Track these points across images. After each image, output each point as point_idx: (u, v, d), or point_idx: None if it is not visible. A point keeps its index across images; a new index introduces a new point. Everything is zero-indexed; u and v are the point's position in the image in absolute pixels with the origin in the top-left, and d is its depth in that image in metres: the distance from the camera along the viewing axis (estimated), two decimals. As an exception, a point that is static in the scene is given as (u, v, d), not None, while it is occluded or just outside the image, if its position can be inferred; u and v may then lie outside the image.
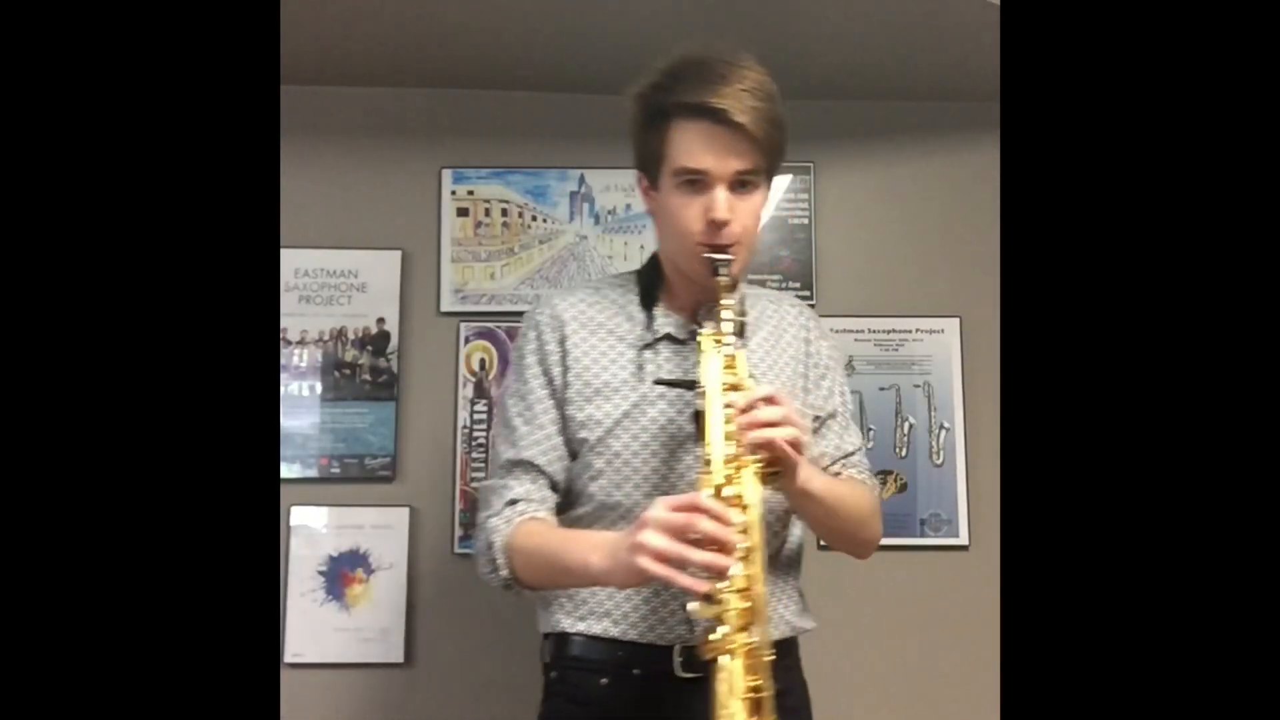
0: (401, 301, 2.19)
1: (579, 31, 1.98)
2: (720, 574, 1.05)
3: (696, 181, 1.25)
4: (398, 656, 2.08)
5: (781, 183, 2.30)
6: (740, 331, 1.29)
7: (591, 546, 1.15)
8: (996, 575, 0.89)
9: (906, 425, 2.23)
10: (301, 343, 2.18)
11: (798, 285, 2.26)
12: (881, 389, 2.24)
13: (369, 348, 2.18)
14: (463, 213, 2.24)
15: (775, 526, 1.33)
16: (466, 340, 2.19)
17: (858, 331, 2.25)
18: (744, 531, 1.08)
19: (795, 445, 1.14)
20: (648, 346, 1.32)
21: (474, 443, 2.16)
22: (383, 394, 2.16)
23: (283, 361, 2.15)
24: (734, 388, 1.17)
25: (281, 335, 2.15)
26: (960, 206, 2.31)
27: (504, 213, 2.24)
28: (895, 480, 2.22)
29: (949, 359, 2.25)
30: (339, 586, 2.10)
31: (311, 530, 2.12)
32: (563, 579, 1.23)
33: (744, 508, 1.10)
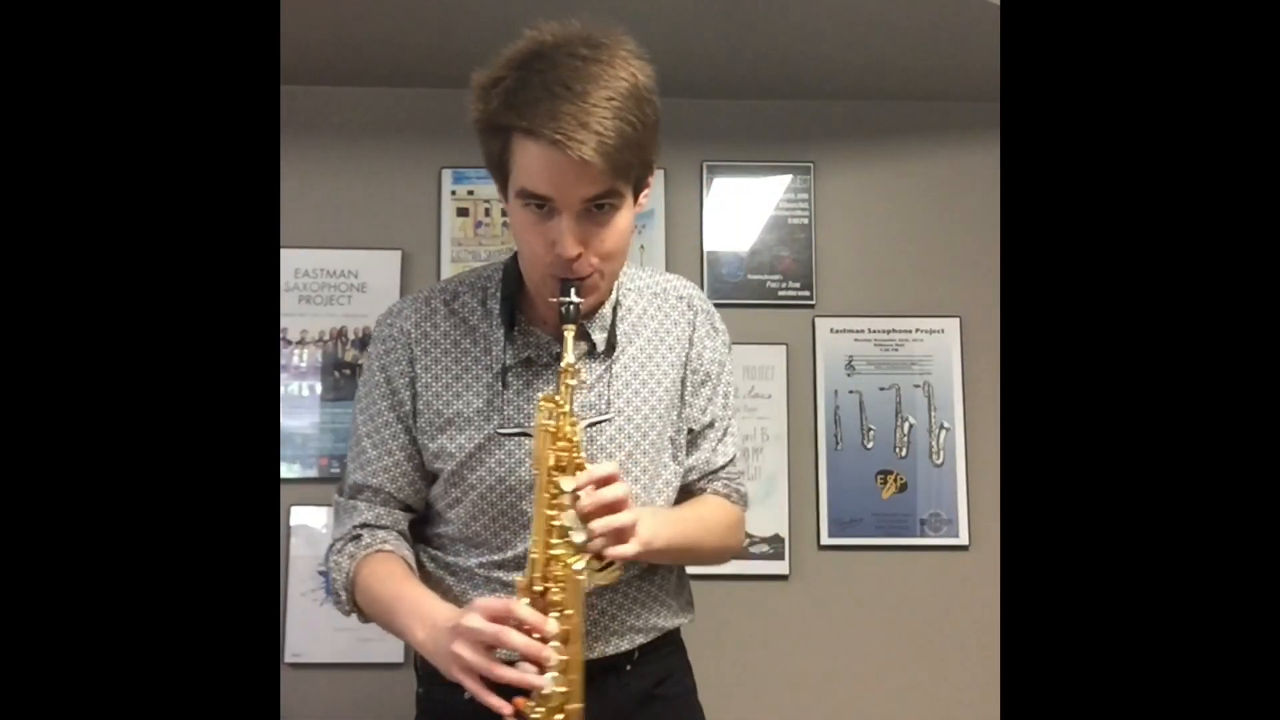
0: (401, 301, 2.19)
1: (579, 31, 1.97)
2: (531, 688, 1.03)
3: (543, 205, 1.10)
4: (398, 656, 2.08)
5: (782, 183, 2.30)
6: (610, 348, 1.23)
7: (418, 619, 1.13)
8: (996, 575, 0.89)
9: (906, 425, 2.23)
10: (301, 343, 2.18)
11: (797, 285, 2.27)
12: (881, 389, 2.24)
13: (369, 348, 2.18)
14: (463, 213, 2.24)
15: None
16: (466, 340, 2.20)
17: (858, 331, 2.25)
18: (565, 640, 1.05)
19: (630, 532, 1.09)
20: (504, 372, 1.21)
21: (474, 443, 2.16)
22: (383, 394, 2.16)
23: (283, 361, 2.16)
24: (570, 468, 1.10)
25: (281, 335, 2.16)
26: (960, 206, 2.31)
27: (504, 213, 2.24)
28: (895, 480, 2.22)
29: (949, 359, 2.25)
30: (339, 586, 2.10)
31: (311, 530, 2.12)
32: (395, 633, 1.21)
33: (564, 614, 1.06)
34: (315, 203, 2.21)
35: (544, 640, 1.04)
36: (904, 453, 2.22)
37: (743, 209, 2.29)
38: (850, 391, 2.23)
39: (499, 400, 1.21)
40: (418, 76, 2.19)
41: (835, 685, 2.17)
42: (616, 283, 1.27)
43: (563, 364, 1.11)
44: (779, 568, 2.17)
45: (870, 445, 2.22)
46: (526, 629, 1.03)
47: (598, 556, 1.09)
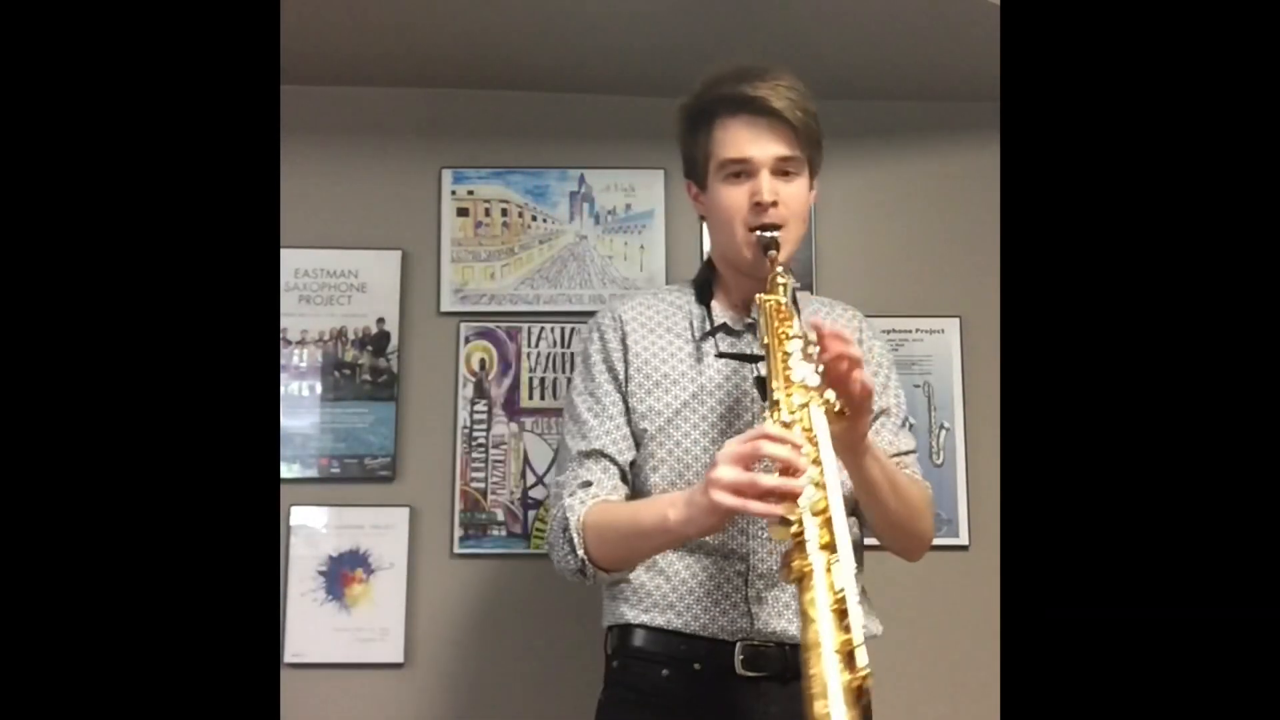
0: (401, 301, 2.19)
1: (579, 31, 1.98)
2: (791, 496, 1.04)
3: (741, 172, 1.32)
4: (398, 656, 2.08)
5: (781, 183, 2.30)
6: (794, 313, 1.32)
7: (668, 503, 1.17)
8: (996, 575, 0.89)
9: (907, 425, 2.23)
10: (301, 343, 2.18)
11: (798, 285, 2.26)
12: (881, 389, 2.24)
13: (369, 348, 2.18)
14: (463, 213, 2.24)
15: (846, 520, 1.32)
16: (466, 340, 2.19)
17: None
18: (815, 461, 1.07)
19: (860, 374, 1.13)
20: (705, 337, 1.37)
21: (474, 443, 2.16)
22: (383, 394, 2.16)
23: (283, 361, 2.15)
24: (792, 338, 1.18)
25: (281, 335, 2.15)
26: (960, 206, 2.30)
27: (504, 213, 2.24)
28: (895, 480, 2.22)
29: (949, 359, 2.25)
30: (339, 586, 2.10)
31: (311, 530, 2.12)
32: (640, 543, 1.24)
33: (813, 440, 1.09)
34: (315, 203, 2.20)
35: (796, 448, 1.06)
36: (904, 453, 2.22)
37: (743, 209, 2.29)
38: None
39: (701, 363, 1.35)
40: (418, 76, 2.19)
41: (835, 685, 2.16)
42: (790, 280, 1.38)
43: (775, 273, 1.25)
44: (779, 568, 2.17)
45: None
46: (778, 441, 1.06)
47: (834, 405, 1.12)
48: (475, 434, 2.16)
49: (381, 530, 2.11)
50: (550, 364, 2.19)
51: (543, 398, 2.17)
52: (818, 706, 0.92)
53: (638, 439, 1.34)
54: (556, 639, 2.06)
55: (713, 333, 1.37)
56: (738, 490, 1.05)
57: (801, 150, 1.33)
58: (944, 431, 2.23)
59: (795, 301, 1.35)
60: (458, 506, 2.13)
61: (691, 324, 1.39)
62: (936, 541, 2.17)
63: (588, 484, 1.31)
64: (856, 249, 2.30)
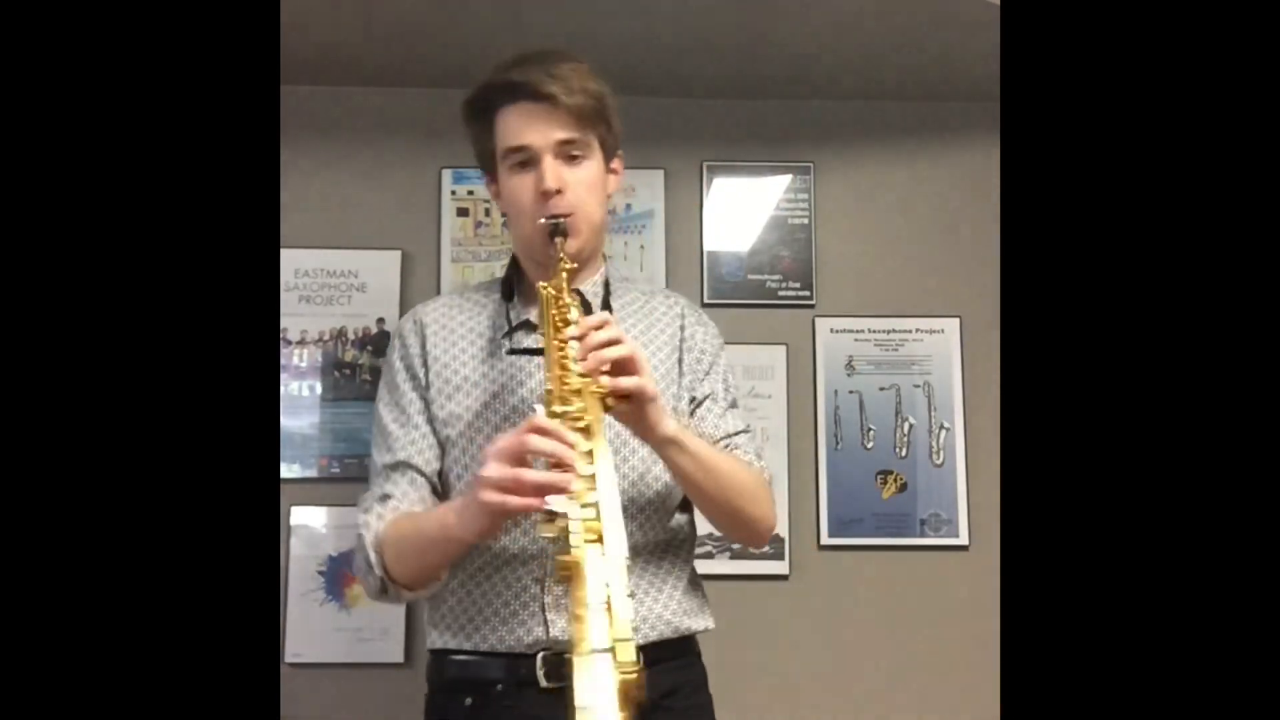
0: (401, 301, 2.19)
1: (578, 32, 1.98)
2: (556, 490, 0.99)
3: (526, 160, 1.28)
4: (398, 656, 2.08)
5: (781, 183, 2.30)
6: (605, 305, 1.32)
7: (449, 507, 1.15)
8: (996, 575, 0.89)
9: (906, 425, 2.23)
10: (301, 343, 2.18)
11: (798, 285, 2.26)
12: (881, 389, 2.24)
13: (369, 348, 2.18)
14: (463, 213, 2.24)
15: (651, 510, 1.29)
16: (466, 340, 2.19)
17: (858, 331, 2.25)
18: (589, 454, 1.02)
19: (630, 367, 1.11)
20: (505, 335, 1.32)
21: (474, 443, 2.16)
22: (383, 394, 2.16)
23: (283, 361, 2.15)
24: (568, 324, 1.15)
25: (281, 335, 2.15)
26: (960, 206, 2.31)
27: (504, 213, 2.24)
28: (895, 480, 2.22)
29: (949, 359, 2.25)
30: (339, 586, 2.10)
31: (311, 530, 2.12)
32: (429, 554, 1.19)
33: (586, 431, 1.05)
34: (315, 203, 2.21)
35: (564, 440, 1.02)
36: (904, 453, 2.22)
37: (743, 209, 2.29)
38: (850, 391, 2.23)
39: (501, 363, 1.30)
40: (418, 76, 2.19)
41: (835, 685, 2.17)
42: (604, 267, 1.39)
43: (559, 259, 1.22)
44: (779, 568, 2.17)
45: (870, 445, 2.22)
46: (545, 433, 1.03)
47: (612, 396, 1.10)
48: (475, 434, 2.16)
49: (381, 530, 2.11)
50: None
51: (543, 398, 2.17)
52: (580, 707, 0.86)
53: (442, 446, 1.29)
54: (556, 639, 2.06)
55: (512, 331, 1.32)
56: (503, 488, 1.02)
57: (584, 131, 1.28)
58: (944, 431, 2.23)
59: (607, 289, 1.34)
60: (458, 506, 2.13)
61: (494, 323, 1.34)
62: (936, 541, 2.20)
63: (386, 497, 1.26)
64: (856, 249, 2.30)
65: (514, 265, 1.39)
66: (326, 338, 2.18)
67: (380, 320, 2.19)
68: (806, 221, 2.29)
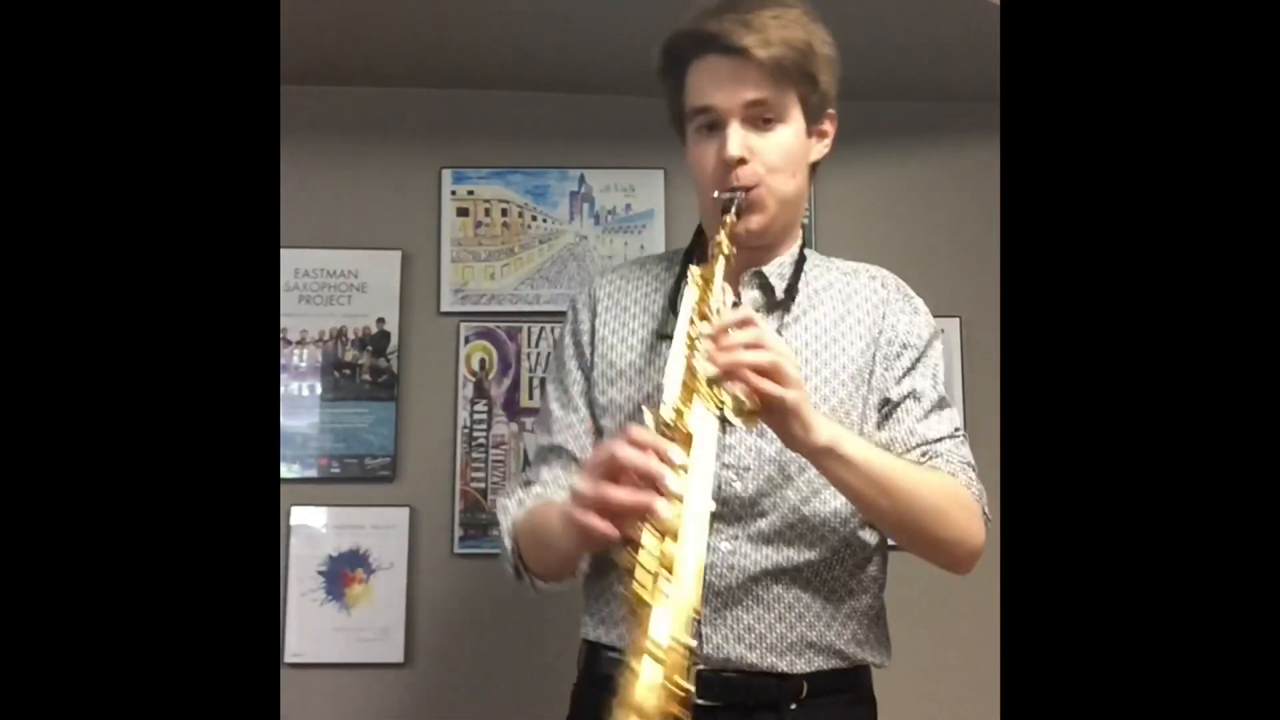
0: (401, 301, 2.19)
1: (579, 31, 1.97)
2: (639, 513, 0.88)
3: (712, 124, 1.15)
4: (398, 656, 2.08)
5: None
6: (789, 298, 1.18)
7: (562, 512, 1.00)
8: (996, 575, 0.89)
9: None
10: (301, 343, 2.18)
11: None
12: (881, 389, 2.23)
13: (369, 348, 2.18)
14: (463, 213, 2.24)
15: (827, 530, 1.16)
16: (466, 340, 2.19)
17: (858, 331, 2.25)
18: (685, 468, 0.90)
19: (773, 374, 0.96)
20: (670, 307, 1.20)
21: (474, 443, 2.16)
22: (383, 394, 2.16)
23: (283, 361, 2.15)
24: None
25: (281, 335, 2.15)
26: (960, 206, 2.30)
27: (504, 213, 2.24)
28: (895, 480, 2.21)
29: (949, 359, 2.25)
30: (339, 586, 2.10)
31: (311, 530, 2.12)
32: (550, 555, 1.10)
33: (687, 439, 0.92)
34: (315, 203, 2.20)
35: (663, 459, 0.89)
36: (904, 453, 2.22)
37: (743, 209, 2.28)
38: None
39: (665, 353, 1.12)
40: (418, 76, 2.19)
41: (835, 685, 2.16)
42: (800, 244, 1.25)
43: (721, 245, 1.07)
44: (779, 568, 2.17)
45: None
46: (635, 445, 0.91)
47: (744, 405, 0.97)
48: (475, 434, 2.16)
49: (381, 530, 2.11)
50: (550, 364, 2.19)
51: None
52: None
53: (601, 435, 1.19)
54: (557, 639, 2.06)
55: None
56: (590, 506, 0.91)
57: (780, 91, 1.12)
58: (944, 431, 2.23)
59: (798, 269, 1.19)
60: (458, 506, 2.13)
61: (667, 302, 1.20)
62: (936, 541, 2.19)
63: (529, 483, 1.19)
64: (856, 249, 2.28)
65: (698, 236, 1.27)
66: (326, 338, 2.18)
67: (380, 320, 2.18)
68: (806, 221, 2.28)
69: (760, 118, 1.14)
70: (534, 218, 2.24)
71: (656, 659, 0.83)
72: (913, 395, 1.21)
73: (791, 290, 1.21)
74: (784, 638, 1.12)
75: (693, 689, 0.83)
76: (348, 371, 2.17)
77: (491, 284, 2.22)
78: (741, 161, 1.12)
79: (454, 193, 2.24)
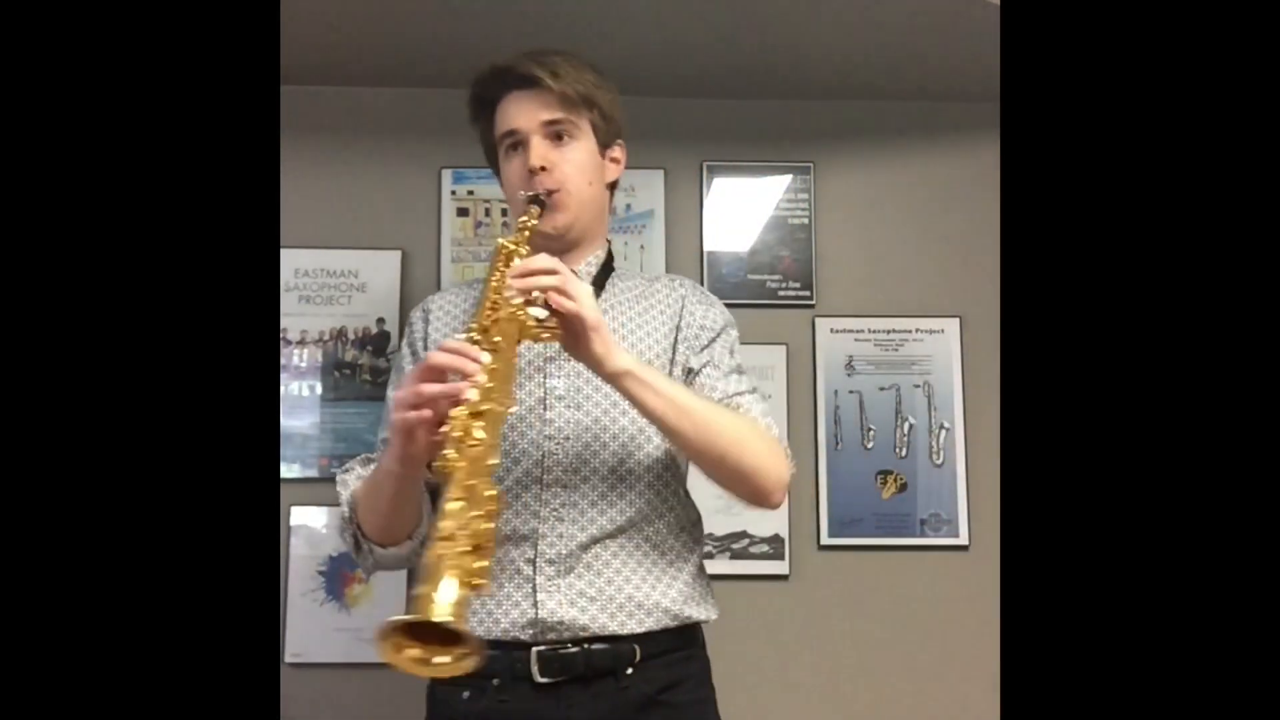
0: (401, 301, 2.19)
1: (579, 32, 1.97)
2: (453, 397, 1.03)
3: (516, 143, 1.33)
4: (398, 656, 2.08)
5: (782, 183, 2.30)
6: (599, 289, 1.33)
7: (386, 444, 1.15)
8: (996, 575, 0.89)
9: (906, 425, 2.23)
10: (301, 343, 2.18)
11: (798, 285, 2.26)
12: (881, 389, 2.24)
13: (369, 348, 2.18)
14: (463, 213, 2.24)
15: (645, 484, 1.28)
16: (466, 340, 2.19)
17: (858, 331, 2.25)
18: (493, 370, 1.05)
19: (568, 293, 1.11)
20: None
21: (474, 443, 2.15)
22: (383, 394, 2.16)
23: (283, 361, 2.15)
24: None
25: (281, 335, 2.15)
26: (960, 206, 2.30)
27: (504, 213, 2.24)
28: (895, 480, 2.22)
29: (949, 359, 2.25)
30: (339, 586, 2.10)
31: (311, 530, 2.12)
32: (380, 499, 1.20)
33: (495, 349, 1.08)
34: (315, 203, 2.20)
35: (470, 359, 1.05)
36: (904, 453, 2.22)
37: (743, 209, 2.29)
38: (850, 391, 2.23)
39: None
40: (418, 76, 2.19)
41: (835, 685, 2.17)
42: (604, 249, 1.41)
43: (521, 221, 1.24)
44: (779, 568, 2.17)
45: (870, 445, 2.22)
46: (447, 350, 1.07)
47: (545, 319, 1.13)
48: (475, 434, 2.16)
49: (381, 530, 2.11)
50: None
51: (543, 398, 2.17)
52: (423, 589, 0.89)
53: None
54: (556, 639, 2.06)
55: None
56: (408, 404, 1.06)
57: (572, 113, 1.32)
58: (944, 431, 2.23)
59: (604, 271, 1.37)
60: (458, 506, 2.13)
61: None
62: (936, 541, 2.20)
63: (369, 460, 1.29)
64: (856, 249, 2.30)
65: None
66: (326, 338, 2.18)
67: (380, 320, 2.18)
68: (806, 221, 2.29)
69: (556, 134, 1.32)
70: (534, 218, 2.24)
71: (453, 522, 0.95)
72: (711, 363, 1.33)
73: (599, 286, 1.35)
74: (613, 599, 1.22)
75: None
76: (348, 371, 2.17)
77: (491, 284, 2.21)
78: (543, 169, 1.29)
79: (454, 193, 2.24)
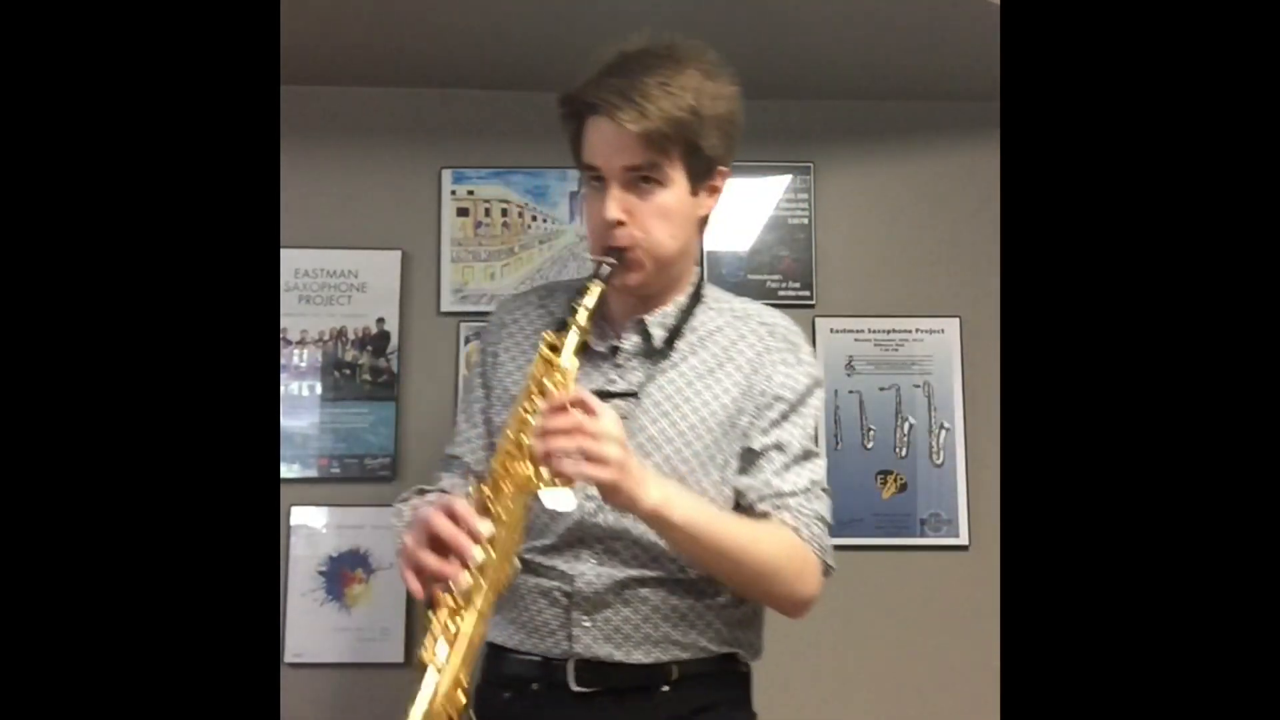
0: (401, 301, 2.19)
1: (580, 31, 1.97)
2: (442, 579, 1.04)
3: (599, 180, 1.21)
4: (398, 656, 2.08)
5: (782, 183, 2.30)
6: (668, 345, 1.25)
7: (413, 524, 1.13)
8: (996, 575, 0.89)
9: (906, 425, 2.23)
10: (301, 343, 2.18)
11: (797, 285, 2.26)
12: (881, 389, 2.24)
13: (369, 348, 2.18)
14: (463, 213, 2.24)
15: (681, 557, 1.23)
16: (466, 340, 2.19)
17: (858, 331, 2.25)
18: (492, 542, 1.05)
19: (593, 458, 1.03)
20: None
21: (474, 443, 2.16)
22: (383, 394, 2.16)
23: (283, 361, 2.15)
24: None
25: (281, 335, 2.15)
26: (960, 206, 2.31)
27: (504, 213, 2.24)
28: (895, 480, 2.22)
29: (949, 359, 2.25)
30: (339, 586, 2.10)
31: (311, 530, 2.12)
32: None
33: (499, 518, 1.07)
34: (315, 203, 2.21)
35: (473, 537, 1.04)
36: (904, 453, 2.22)
37: (743, 209, 2.29)
38: (850, 391, 2.23)
39: None
40: (418, 76, 2.19)
41: (835, 685, 2.17)
42: (691, 288, 1.31)
43: (577, 317, 1.12)
44: (779, 568, 2.17)
45: (870, 445, 2.22)
46: (453, 518, 1.05)
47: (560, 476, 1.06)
48: (475, 434, 2.16)
49: (381, 530, 2.11)
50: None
51: (543, 398, 2.17)
52: None
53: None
54: (556, 639, 2.06)
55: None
56: (406, 562, 1.07)
57: (658, 155, 1.17)
58: (944, 431, 2.23)
59: (684, 315, 1.27)
60: (458, 506, 2.13)
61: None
62: (936, 541, 2.20)
63: (423, 491, 1.29)
64: (856, 249, 2.30)
65: None
66: (326, 338, 2.18)
67: (380, 320, 2.19)
68: (806, 221, 2.29)
69: (640, 179, 1.19)
70: (534, 218, 2.25)
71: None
72: (776, 446, 1.24)
73: (671, 339, 1.26)
74: (649, 636, 1.20)
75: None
76: (348, 371, 2.17)
77: (491, 284, 2.22)
78: (620, 224, 1.18)
79: (454, 193, 2.24)
